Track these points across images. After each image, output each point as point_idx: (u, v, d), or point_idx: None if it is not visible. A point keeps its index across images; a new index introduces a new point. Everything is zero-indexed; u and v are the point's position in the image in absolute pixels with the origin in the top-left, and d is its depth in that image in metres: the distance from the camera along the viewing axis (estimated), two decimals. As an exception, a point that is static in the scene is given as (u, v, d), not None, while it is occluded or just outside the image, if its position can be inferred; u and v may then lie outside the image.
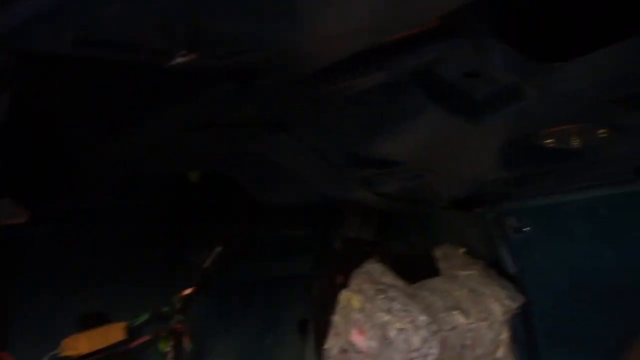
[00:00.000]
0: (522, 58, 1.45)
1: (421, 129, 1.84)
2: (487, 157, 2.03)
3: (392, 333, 2.51)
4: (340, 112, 1.81)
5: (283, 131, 1.97)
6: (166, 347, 2.75)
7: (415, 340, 2.48)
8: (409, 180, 2.21)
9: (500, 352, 2.77)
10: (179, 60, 1.22)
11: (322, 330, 2.71)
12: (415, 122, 1.81)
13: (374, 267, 2.73)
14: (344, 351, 2.63)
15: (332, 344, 2.66)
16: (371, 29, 1.33)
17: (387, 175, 2.18)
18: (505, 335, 2.78)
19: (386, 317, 2.53)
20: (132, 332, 2.73)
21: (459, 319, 2.60)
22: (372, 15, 1.26)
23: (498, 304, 2.79)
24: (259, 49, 1.35)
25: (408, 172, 2.14)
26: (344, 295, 2.67)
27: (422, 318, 2.50)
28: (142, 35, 1.19)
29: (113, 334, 2.66)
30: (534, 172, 2.16)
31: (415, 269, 2.86)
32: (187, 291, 2.82)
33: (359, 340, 2.58)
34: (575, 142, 1.85)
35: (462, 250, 3.02)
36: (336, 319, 2.67)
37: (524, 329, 2.79)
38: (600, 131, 1.82)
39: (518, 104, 1.64)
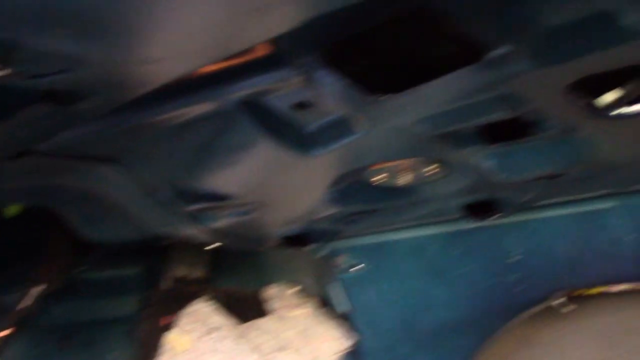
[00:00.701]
0: (352, 90, 1.44)
1: (251, 161, 1.79)
2: (318, 193, 2.01)
3: (220, 375, 2.44)
4: (166, 143, 1.74)
5: (107, 163, 1.86)
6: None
7: (244, 382, 2.41)
8: (239, 215, 2.15)
9: (330, 393, 2.75)
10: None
11: (147, 374, 2.60)
12: (245, 154, 1.76)
13: (202, 307, 2.65)
14: (169, 395, 2.53)
15: (156, 388, 2.55)
16: (195, 53, 1.28)
17: (217, 210, 2.12)
18: (336, 375, 2.76)
19: (214, 359, 2.45)
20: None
21: (289, 359, 2.56)
22: (195, 39, 1.22)
23: (329, 344, 2.77)
24: (78, 69, 1.27)
25: (238, 207, 2.09)
26: (170, 336, 2.56)
27: (252, 358, 2.43)
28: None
29: None
30: (365, 209, 2.16)
31: (245, 308, 2.79)
32: (3, 333, 2.63)
33: (186, 383, 2.49)
34: (405, 179, 1.87)
35: (293, 289, 2.98)
36: (163, 360, 2.56)
37: (354, 368, 2.78)
38: (429, 168, 1.84)
39: (348, 137, 1.63)
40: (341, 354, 2.77)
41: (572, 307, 2.70)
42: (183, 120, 1.62)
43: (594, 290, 2.85)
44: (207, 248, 2.93)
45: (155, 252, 2.91)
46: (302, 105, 1.57)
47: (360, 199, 2.05)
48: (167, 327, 2.60)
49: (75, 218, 2.32)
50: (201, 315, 2.62)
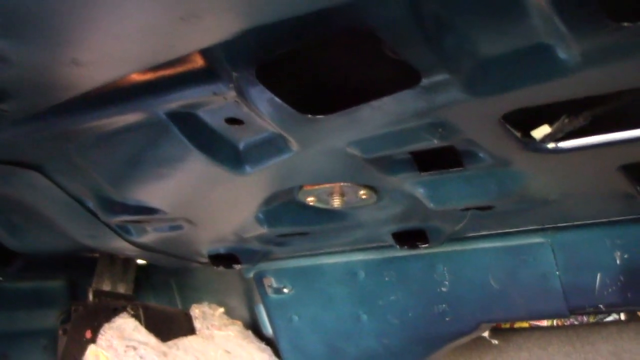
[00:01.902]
0: (286, 109, 1.41)
1: (180, 176, 1.75)
2: (248, 212, 1.98)
3: (139, 393, 2.37)
4: (92, 152, 1.69)
5: (30, 169, 1.80)
6: None
7: (163, 402, 2.35)
8: (167, 231, 2.11)
9: (252, 417, 2.70)
10: None
11: (64, 390, 2.51)
12: (174, 169, 1.72)
13: (126, 322, 2.58)
14: (86, 411, 2.45)
15: (74, 404, 2.47)
16: (123, 58, 1.25)
17: (144, 225, 2.07)
18: (258, 398, 2.72)
19: (135, 376, 2.39)
20: None
21: (211, 380, 2.51)
22: (124, 44, 1.18)
23: (253, 367, 2.73)
24: (1, 69, 1.22)
25: (167, 222, 2.04)
26: (91, 351, 2.49)
27: (172, 378, 2.38)
28: None
29: None
30: (295, 231, 2.14)
31: (170, 326, 2.74)
32: None
33: (105, 400, 2.42)
34: (336, 202, 1.85)
35: (220, 310, 2.94)
36: (80, 376, 2.49)
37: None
38: (361, 192, 1.83)
39: (281, 156, 1.60)
40: (265, 377, 2.74)
41: (498, 340, 2.72)
42: (110, 129, 1.57)
43: (522, 324, 2.87)
44: (134, 264, 2.87)
45: (80, 264, 2.84)
46: (234, 121, 1.53)
47: (290, 220, 2.03)
48: (88, 342, 2.53)
49: (-3, 225, 2.25)
50: (124, 331, 2.55)
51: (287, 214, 2.00)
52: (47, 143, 1.66)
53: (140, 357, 2.43)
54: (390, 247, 2.31)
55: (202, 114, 1.53)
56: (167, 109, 1.49)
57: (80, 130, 1.59)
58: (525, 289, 2.28)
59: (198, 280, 3.08)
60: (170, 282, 3.07)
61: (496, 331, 2.78)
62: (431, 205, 1.82)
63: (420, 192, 1.78)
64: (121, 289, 2.79)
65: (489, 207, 1.90)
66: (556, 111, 1.52)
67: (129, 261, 2.83)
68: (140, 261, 2.91)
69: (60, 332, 2.63)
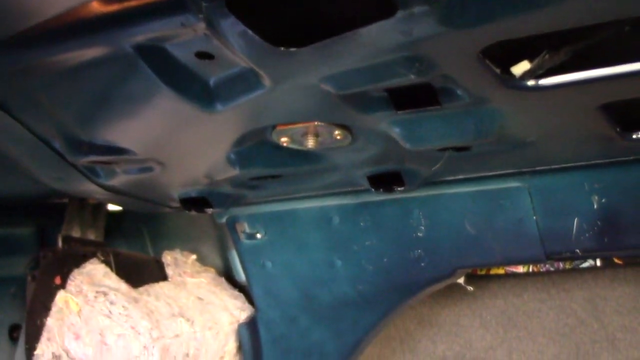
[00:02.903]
0: (258, 42, 1.36)
1: (150, 113, 1.70)
2: (220, 153, 1.93)
3: (110, 339, 2.34)
4: (57, 89, 1.63)
5: None
6: None
7: (135, 347, 2.33)
8: (137, 173, 2.05)
9: (224, 364, 2.69)
10: None
11: (33, 335, 2.48)
12: (143, 106, 1.67)
13: (96, 268, 2.54)
14: (56, 357, 2.42)
15: (43, 350, 2.44)
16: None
17: (112, 166, 2.01)
18: (231, 346, 2.71)
19: (105, 322, 2.36)
20: None
21: (184, 326, 2.49)
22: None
23: (226, 314, 2.71)
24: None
25: (136, 163, 1.99)
26: (60, 297, 2.46)
27: (144, 324, 2.35)
28: None
29: None
30: (268, 174, 2.10)
31: (141, 273, 2.71)
32: None
33: (74, 346, 2.39)
34: (310, 143, 1.80)
35: (192, 257, 2.91)
36: (50, 322, 2.45)
37: (251, 340, 2.71)
38: (336, 132, 1.78)
39: (253, 92, 1.55)
40: (237, 324, 2.71)
41: (473, 287, 2.71)
42: (75, 63, 1.51)
43: (497, 271, 2.87)
44: (104, 210, 2.83)
45: (49, 211, 2.79)
46: (204, 55, 1.48)
47: (263, 162, 1.98)
48: (58, 288, 2.49)
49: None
50: (94, 277, 2.51)
51: (259, 156, 1.95)
52: (9, 78, 1.60)
53: (111, 303, 2.40)
54: (365, 191, 2.28)
55: (171, 47, 1.47)
56: (134, 41, 1.43)
57: (44, 64, 1.52)
58: (502, 234, 2.26)
59: (170, 227, 3.04)
60: (142, 230, 3.03)
61: (471, 278, 2.77)
62: (407, 145, 1.78)
63: (396, 131, 1.74)
64: (91, 235, 2.75)
65: (466, 148, 1.86)
66: (536, 47, 1.49)
67: (99, 207, 2.78)
68: (111, 207, 2.87)
69: (29, 278, 2.60)
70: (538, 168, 2.13)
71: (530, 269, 2.80)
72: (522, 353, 2.84)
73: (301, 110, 1.69)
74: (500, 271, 2.86)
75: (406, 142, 1.77)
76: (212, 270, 2.91)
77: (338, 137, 1.80)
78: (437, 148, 1.85)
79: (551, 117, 1.69)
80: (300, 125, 1.76)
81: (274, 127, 1.79)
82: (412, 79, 1.46)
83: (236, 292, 2.85)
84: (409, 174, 2.09)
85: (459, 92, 1.54)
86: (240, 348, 2.74)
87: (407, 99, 1.60)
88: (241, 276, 2.85)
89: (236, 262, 2.88)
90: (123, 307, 2.39)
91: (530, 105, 1.61)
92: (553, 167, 2.12)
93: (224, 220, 2.63)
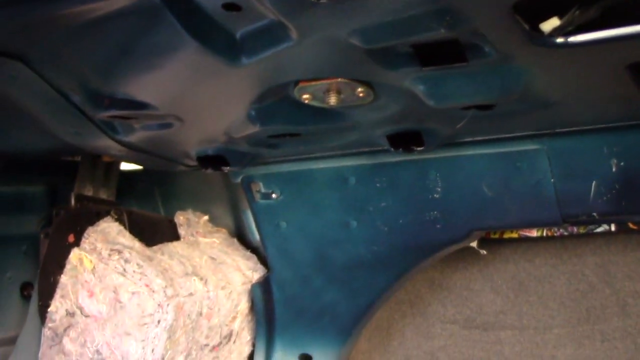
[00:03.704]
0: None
1: (172, 67, 1.68)
2: (241, 109, 1.91)
3: (124, 296, 2.34)
4: (78, 41, 1.61)
5: (11, 59, 1.71)
6: None
7: (149, 305, 2.32)
8: (156, 129, 2.04)
9: (236, 324, 2.69)
10: None
11: (47, 292, 2.48)
12: (166, 59, 1.65)
13: (110, 226, 2.54)
14: (70, 315, 2.42)
15: (57, 307, 2.44)
16: None
17: (131, 121, 2.00)
18: (244, 306, 2.72)
19: (120, 280, 2.36)
20: None
21: (197, 285, 2.49)
22: None
23: (239, 274, 2.71)
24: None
25: (156, 119, 1.97)
26: (74, 255, 2.46)
27: (158, 282, 2.35)
28: None
29: None
30: (287, 131, 2.08)
31: (155, 232, 2.71)
32: None
33: (88, 303, 2.39)
34: (332, 100, 1.79)
35: (204, 217, 2.91)
36: (64, 280, 2.45)
37: (264, 299, 2.72)
38: (358, 89, 1.77)
39: (279, 45, 1.53)
40: (250, 284, 2.72)
41: (486, 250, 2.71)
42: (100, 14, 1.48)
43: (511, 234, 2.86)
44: (116, 169, 2.82)
45: (61, 170, 2.78)
46: (232, 7, 1.46)
47: (284, 119, 1.97)
48: (71, 245, 2.49)
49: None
50: (108, 234, 2.51)
51: (280, 112, 1.93)
52: (29, 30, 1.57)
53: (125, 261, 2.39)
54: (382, 152, 2.27)
55: None
56: None
57: (67, 15, 1.49)
58: (519, 196, 2.25)
59: (182, 188, 3.04)
60: (153, 190, 3.03)
61: (484, 242, 2.76)
62: (431, 102, 1.76)
63: (420, 89, 1.73)
64: (103, 194, 2.74)
65: (489, 107, 1.85)
66: (566, 3, 1.47)
67: (111, 166, 2.77)
68: (123, 166, 2.86)
69: (42, 236, 2.60)
70: (557, 130, 2.12)
71: (545, 233, 2.80)
72: (532, 317, 2.84)
73: (325, 65, 1.67)
74: (514, 235, 2.86)
75: (430, 99, 1.75)
76: (224, 230, 2.92)
77: (360, 95, 1.79)
78: (460, 106, 1.84)
79: (577, 76, 1.68)
80: (323, 81, 1.74)
81: (296, 83, 1.77)
82: (441, 33, 1.45)
83: (248, 253, 2.85)
84: (429, 134, 2.08)
85: (486, 48, 1.53)
86: (252, 308, 2.75)
87: (433, 56, 1.58)
88: (255, 236, 2.85)
89: (249, 223, 2.88)
90: (137, 265, 2.38)
91: (557, 63, 1.60)
92: (572, 129, 2.11)
93: (239, 179, 2.62)
